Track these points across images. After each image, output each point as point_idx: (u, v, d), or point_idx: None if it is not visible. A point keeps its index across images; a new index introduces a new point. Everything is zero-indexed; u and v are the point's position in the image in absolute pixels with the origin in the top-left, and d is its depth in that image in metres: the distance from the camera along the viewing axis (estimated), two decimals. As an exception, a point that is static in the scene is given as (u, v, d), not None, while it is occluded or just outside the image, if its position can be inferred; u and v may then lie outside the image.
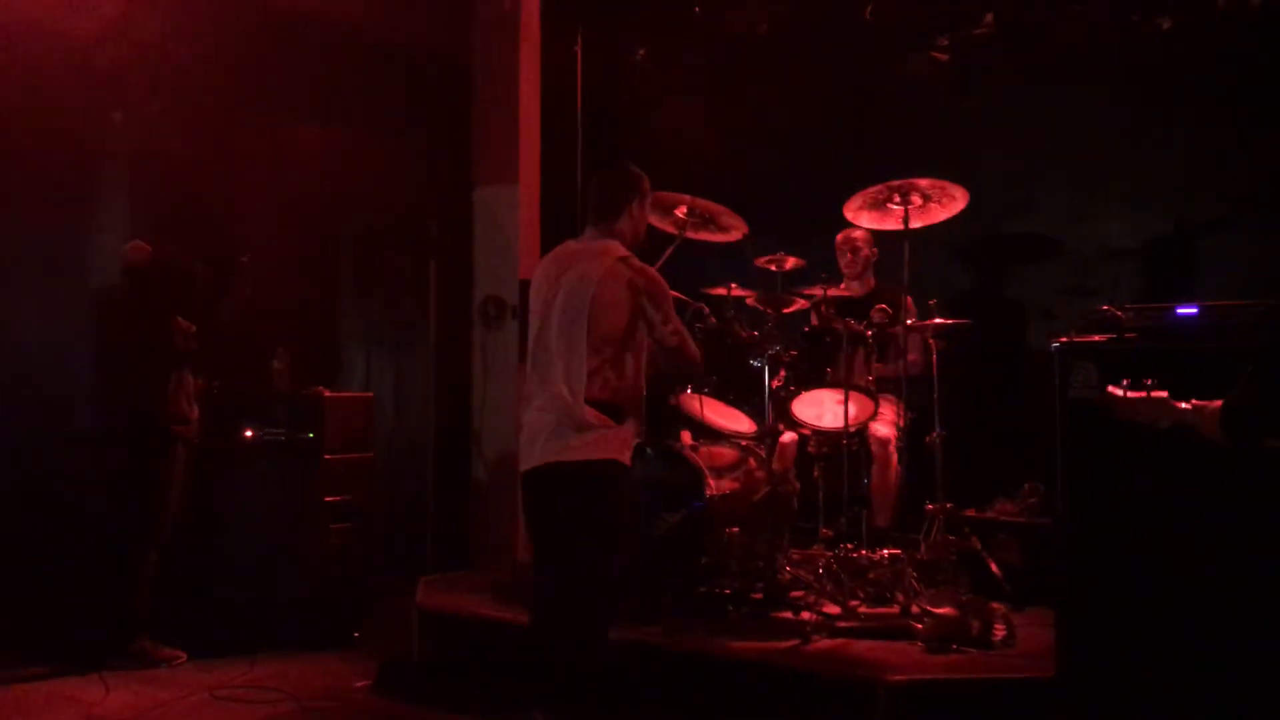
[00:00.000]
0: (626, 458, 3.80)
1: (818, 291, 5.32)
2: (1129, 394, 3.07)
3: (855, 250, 5.80)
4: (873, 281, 5.84)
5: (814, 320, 5.48)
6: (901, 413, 5.44)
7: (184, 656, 5.47)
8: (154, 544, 5.44)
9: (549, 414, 3.74)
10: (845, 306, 5.52)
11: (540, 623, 3.91)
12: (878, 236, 5.56)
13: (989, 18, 6.04)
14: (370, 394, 6.62)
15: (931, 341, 5.26)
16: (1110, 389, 3.12)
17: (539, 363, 3.82)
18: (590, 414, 3.67)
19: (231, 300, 5.61)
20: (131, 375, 5.46)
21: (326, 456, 5.96)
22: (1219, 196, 5.49)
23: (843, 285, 5.72)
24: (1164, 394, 3.04)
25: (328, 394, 6.10)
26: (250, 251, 6.14)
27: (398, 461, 7.01)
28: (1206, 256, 5.55)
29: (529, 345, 3.91)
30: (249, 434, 6.08)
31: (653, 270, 3.89)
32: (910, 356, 5.38)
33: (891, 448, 5.36)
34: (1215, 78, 5.42)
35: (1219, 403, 2.93)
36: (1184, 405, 3.00)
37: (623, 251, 3.84)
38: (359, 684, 5.20)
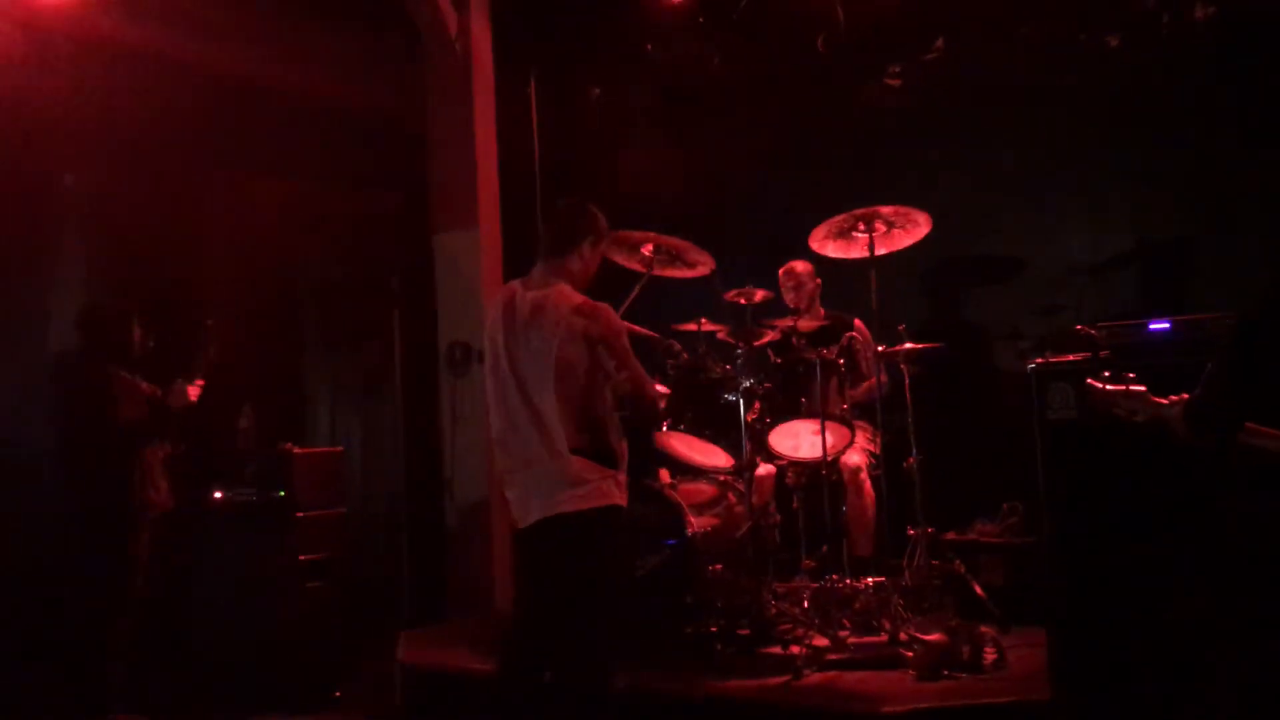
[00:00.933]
0: (624, 499, 3.75)
1: (787, 323, 5.33)
2: (1109, 386, 3.09)
3: (800, 285, 5.79)
4: (822, 311, 5.83)
5: (772, 356, 5.45)
6: (876, 439, 5.45)
7: (162, 728, 5.35)
8: (122, 617, 5.31)
9: (538, 471, 3.68)
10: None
11: (523, 671, 3.82)
12: (846, 265, 5.56)
13: (939, 43, 6.11)
14: (340, 448, 6.52)
15: (903, 366, 5.27)
16: (1090, 381, 3.15)
17: (516, 420, 3.72)
18: (583, 466, 3.63)
19: (199, 365, 5.49)
20: (92, 456, 5.34)
21: (299, 514, 5.86)
22: (1176, 210, 5.57)
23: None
24: (1143, 388, 3.07)
25: (297, 450, 6.01)
26: (211, 309, 6.06)
27: (370, 514, 6.92)
28: (1168, 270, 5.62)
29: (493, 397, 3.82)
30: (219, 495, 5.97)
31: (606, 312, 3.76)
32: (876, 380, 5.40)
33: (863, 475, 5.35)
34: (1165, 94, 5.51)
35: None
36: (1162, 400, 3.03)
37: (576, 299, 3.73)
38: (345, 743, 5.11)
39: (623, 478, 3.75)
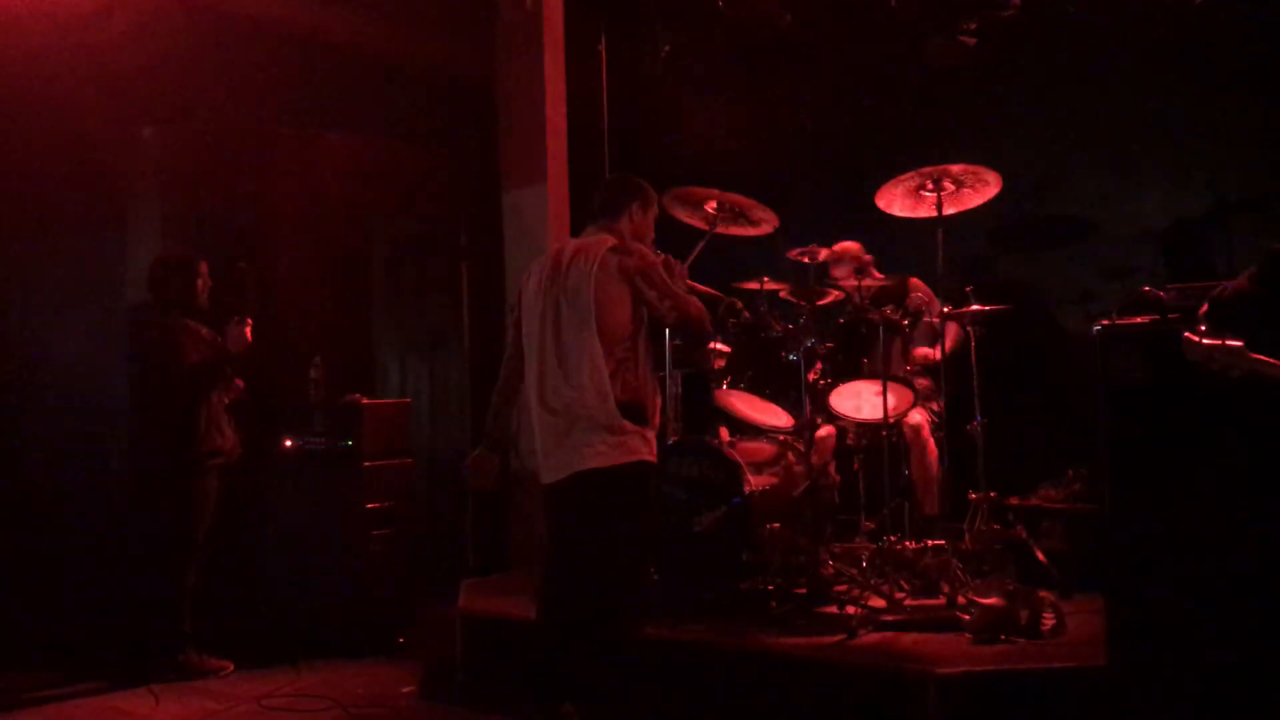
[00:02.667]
0: (654, 455, 3.82)
1: (851, 283, 5.28)
2: (1205, 340, 3.11)
3: (859, 264, 5.64)
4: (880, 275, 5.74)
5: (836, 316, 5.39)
6: (938, 399, 5.39)
7: (231, 667, 5.51)
8: (191, 561, 5.47)
9: (572, 419, 3.71)
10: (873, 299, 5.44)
11: (558, 621, 3.91)
12: (912, 223, 5.47)
13: (1015, -1, 5.97)
14: (408, 399, 6.63)
15: (969, 328, 5.20)
16: (1187, 334, 3.17)
17: (550, 366, 3.78)
18: (618, 417, 3.67)
19: (243, 307, 5.59)
20: (160, 403, 5.48)
21: (366, 464, 5.98)
22: (1256, 171, 5.40)
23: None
24: (1239, 343, 3.08)
25: (365, 401, 6.11)
26: (282, 262, 6.19)
27: (436, 466, 7.02)
28: (1245, 232, 5.46)
29: (531, 349, 3.86)
30: (289, 444, 6.10)
31: (640, 247, 3.86)
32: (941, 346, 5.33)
33: (925, 433, 5.30)
34: (1250, 50, 5.32)
35: None
36: (1259, 356, 3.04)
37: (611, 241, 3.82)
38: (405, 689, 5.22)
39: (652, 434, 3.79)
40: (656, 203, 4.08)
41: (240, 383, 5.66)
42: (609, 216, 3.96)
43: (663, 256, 4.03)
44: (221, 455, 5.52)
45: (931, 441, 5.27)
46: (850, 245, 5.75)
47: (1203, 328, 3.17)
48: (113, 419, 6.06)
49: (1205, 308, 3.51)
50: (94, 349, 6.18)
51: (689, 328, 3.92)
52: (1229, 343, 3.09)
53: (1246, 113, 5.34)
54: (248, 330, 5.49)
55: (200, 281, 5.57)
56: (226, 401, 5.59)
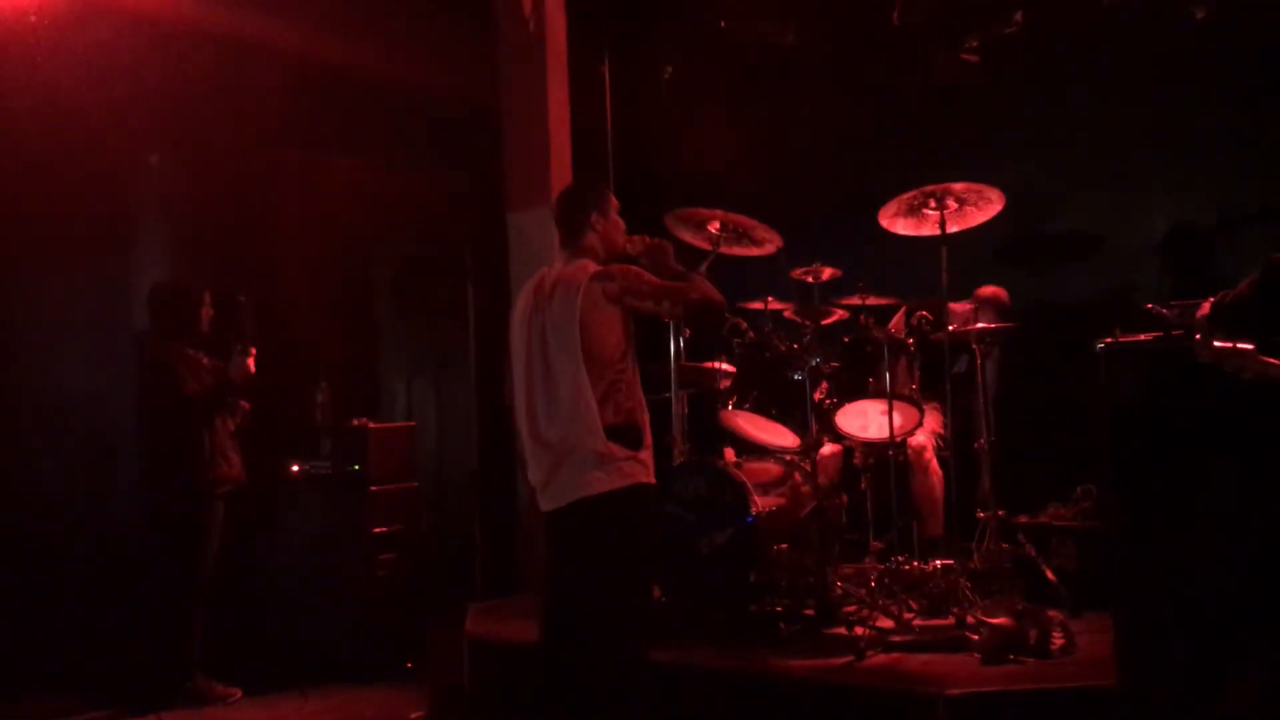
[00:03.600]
0: (652, 476, 3.76)
1: (855, 301, 5.28)
2: (1216, 343, 3.12)
3: (1001, 306, 5.67)
4: None
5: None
6: (944, 420, 5.38)
7: (239, 693, 5.50)
8: (198, 588, 5.47)
9: (565, 452, 3.67)
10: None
11: (561, 646, 3.85)
12: (914, 241, 5.46)
13: (1018, 16, 5.96)
14: (413, 423, 6.64)
15: (975, 346, 5.19)
16: (1198, 337, 3.19)
17: (540, 397, 3.73)
18: (609, 445, 3.62)
19: (242, 337, 5.59)
20: (165, 432, 5.49)
21: (372, 488, 5.99)
22: (1262, 184, 5.38)
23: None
24: (1250, 346, 3.08)
25: (371, 425, 6.12)
26: (289, 287, 6.20)
27: (443, 489, 7.02)
28: (1251, 247, 5.44)
29: (520, 381, 3.82)
30: (295, 468, 6.11)
31: (618, 267, 3.76)
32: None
33: (928, 454, 5.30)
34: (1253, 65, 5.31)
35: None
36: (1271, 360, 3.04)
37: (593, 268, 3.73)
38: (413, 715, 5.21)
39: (649, 455, 3.74)
40: (610, 191, 3.97)
41: (246, 405, 5.67)
42: (574, 237, 3.86)
43: (638, 241, 3.94)
44: (228, 484, 5.52)
45: (935, 463, 5.27)
46: (993, 290, 5.71)
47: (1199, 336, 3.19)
48: (120, 446, 6.07)
49: (1206, 308, 3.49)
50: (101, 376, 6.20)
51: (700, 319, 3.86)
52: (1241, 345, 3.10)
53: (1251, 126, 5.32)
54: (250, 361, 5.51)
55: (203, 310, 5.58)
56: (232, 428, 5.59)
